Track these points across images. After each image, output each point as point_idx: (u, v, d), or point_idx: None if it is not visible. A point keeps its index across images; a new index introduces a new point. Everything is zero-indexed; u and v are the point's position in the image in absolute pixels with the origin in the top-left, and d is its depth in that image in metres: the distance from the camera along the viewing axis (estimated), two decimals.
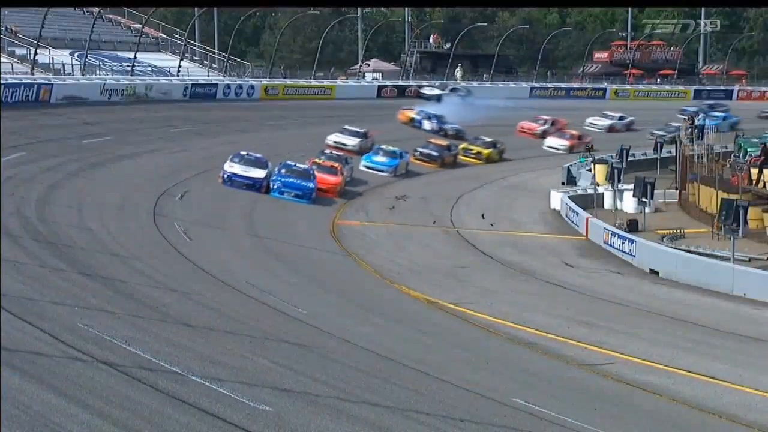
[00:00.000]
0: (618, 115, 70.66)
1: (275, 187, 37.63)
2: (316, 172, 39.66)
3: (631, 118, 70.28)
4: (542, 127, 64.09)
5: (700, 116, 66.62)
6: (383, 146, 48.79)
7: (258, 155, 39.19)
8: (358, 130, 51.84)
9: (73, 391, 10.00)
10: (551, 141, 61.14)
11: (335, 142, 50.52)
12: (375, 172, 46.62)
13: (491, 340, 22.08)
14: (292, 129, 54.11)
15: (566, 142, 60.60)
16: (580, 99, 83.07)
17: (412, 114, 63.44)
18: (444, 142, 54.06)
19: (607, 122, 69.52)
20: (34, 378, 10.22)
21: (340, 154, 45.52)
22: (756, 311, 27.50)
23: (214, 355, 13.52)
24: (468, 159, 54.37)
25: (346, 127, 51.97)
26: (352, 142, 50.85)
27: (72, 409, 9.41)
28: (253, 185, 37.32)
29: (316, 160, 41.63)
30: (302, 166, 39.45)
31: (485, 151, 55.13)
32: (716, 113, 71.95)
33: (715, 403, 18.27)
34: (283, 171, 38.54)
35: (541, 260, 33.47)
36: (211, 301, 19.56)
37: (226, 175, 37.46)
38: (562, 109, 72.41)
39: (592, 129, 67.29)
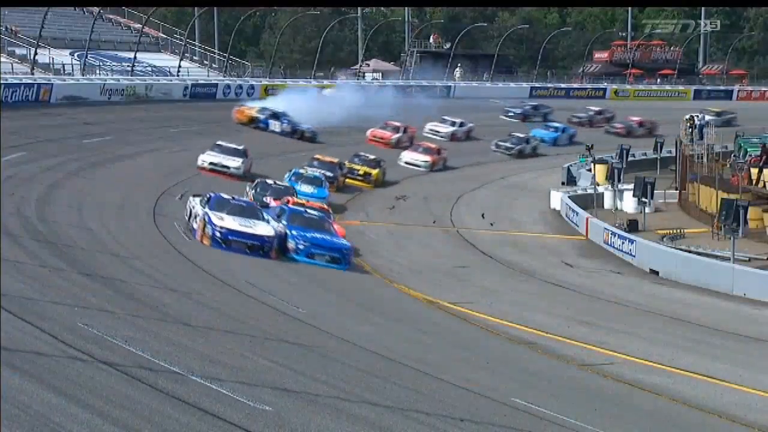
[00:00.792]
0: (458, 120, 61.84)
1: (300, 248, 26.95)
2: None
3: (470, 125, 62.24)
4: (396, 136, 55.20)
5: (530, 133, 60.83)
6: (300, 170, 39.06)
7: (245, 199, 30.10)
8: (236, 146, 41.42)
9: (73, 391, 10.00)
10: (409, 156, 51.43)
11: (212, 164, 39.96)
12: None
13: (491, 339, 22.09)
14: None
15: (428, 158, 51.29)
16: (580, 99, 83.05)
17: (253, 113, 54.29)
18: (333, 159, 43.43)
19: (449, 129, 60.83)
20: (34, 378, 10.22)
21: (285, 185, 35.75)
22: (756, 311, 27.53)
23: (214, 354, 13.52)
24: (354, 181, 44.24)
25: (219, 143, 41.41)
26: (234, 163, 40.09)
27: (72, 408, 9.41)
28: (261, 247, 26.42)
29: (299, 200, 32.22)
30: (314, 212, 29.44)
31: (374, 172, 45.25)
32: (554, 124, 65.71)
33: (715, 403, 18.27)
34: (292, 220, 28.12)
35: (541, 260, 33.49)
36: (211, 300, 19.56)
37: (217, 233, 26.22)
38: (563, 109, 72.38)
39: (433, 136, 58.98)
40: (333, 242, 27.47)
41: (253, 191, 33.68)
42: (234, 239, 26.12)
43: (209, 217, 26.52)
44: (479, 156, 55.97)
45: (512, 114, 70.68)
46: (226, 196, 28.52)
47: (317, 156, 43.55)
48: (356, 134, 54.40)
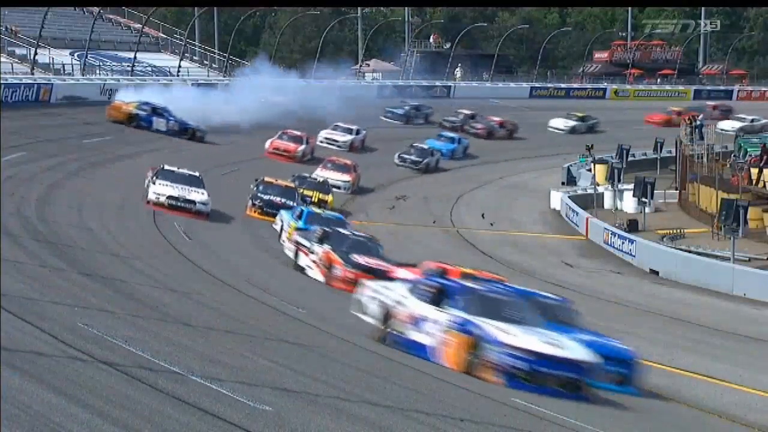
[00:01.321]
0: (355, 128, 53.99)
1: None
2: None
3: (364, 132, 54.52)
4: (301, 147, 47.54)
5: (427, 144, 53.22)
6: (312, 209, 31.55)
7: (501, 284, 19.49)
8: (191, 173, 33.19)
9: (73, 391, 10.00)
10: (327, 175, 41.61)
11: (172, 198, 31.61)
12: None
13: None
14: None
15: (347, 177, 43.12)
16: (580, 99, 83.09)
17: (131, 109, 47.72)
18: (289, 183, 36.09)
19: (347, 137, 53.01)
20: (34, 378, 10.21)
21: (363, 234, 28.06)
22: (756, 311, 27.55)
23: (214, 354, 13.52)
24: None
25: (169, 168, 32.98)
26: (200, 196, 32.04)
27: (72, 408, 9.41)
28: (577, 381, 15.72)
29: (467, 270, 22.87)
30: (553, 296, 20.10)
31: (329, 199, 37.21)
32: (448, 134, 58.44)
33: (715, 403, 18.27)
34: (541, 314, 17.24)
35: (541, 260, 33.52)
36: (211, 300, 19.56)
37: (519, 364, 15.35)
38: (563, 109, 72.33)
39: (330, 146, 51.63)
40: (617, 350, 17.80)
41: (328, 246, 25.49)
42: (545, 372, 15.46)
43: (488, 334, 15.66)
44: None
45: (391, 115, 64.40)
46: (468, 284, 17.98)
47: (267, 179, 35.40)
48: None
